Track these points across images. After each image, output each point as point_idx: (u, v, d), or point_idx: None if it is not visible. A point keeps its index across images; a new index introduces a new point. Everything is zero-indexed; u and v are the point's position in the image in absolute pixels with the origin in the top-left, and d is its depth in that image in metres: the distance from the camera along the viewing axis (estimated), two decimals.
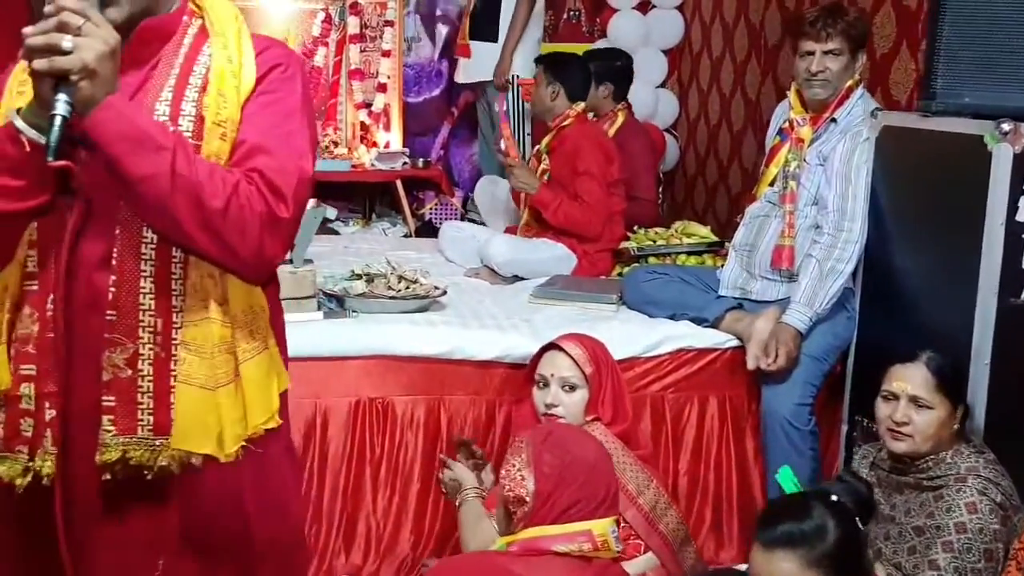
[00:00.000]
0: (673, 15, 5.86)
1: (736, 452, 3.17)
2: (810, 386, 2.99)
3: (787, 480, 2.11)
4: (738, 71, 5.21)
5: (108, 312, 1.43)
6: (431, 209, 5.45)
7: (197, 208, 1.38)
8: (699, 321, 3.21)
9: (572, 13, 6.06)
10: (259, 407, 1.53)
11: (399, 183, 5.22)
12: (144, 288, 1.45)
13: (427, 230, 5.31)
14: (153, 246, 1.45)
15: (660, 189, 5.84)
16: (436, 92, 5.73)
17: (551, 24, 5.90)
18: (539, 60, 4.43)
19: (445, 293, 3.25)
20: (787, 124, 3.23)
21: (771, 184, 3.26)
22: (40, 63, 1.30)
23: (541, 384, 2.71)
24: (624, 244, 3.90)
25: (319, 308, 3.06)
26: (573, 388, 2.66)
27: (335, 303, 3.13)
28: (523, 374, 3.01)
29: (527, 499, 2.06)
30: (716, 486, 3.16)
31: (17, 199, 1.40)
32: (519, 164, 3.92)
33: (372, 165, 5.31)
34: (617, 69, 4.75)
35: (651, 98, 5.79)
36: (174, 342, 1.46)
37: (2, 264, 1.47)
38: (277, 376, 1.59)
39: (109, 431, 1.44)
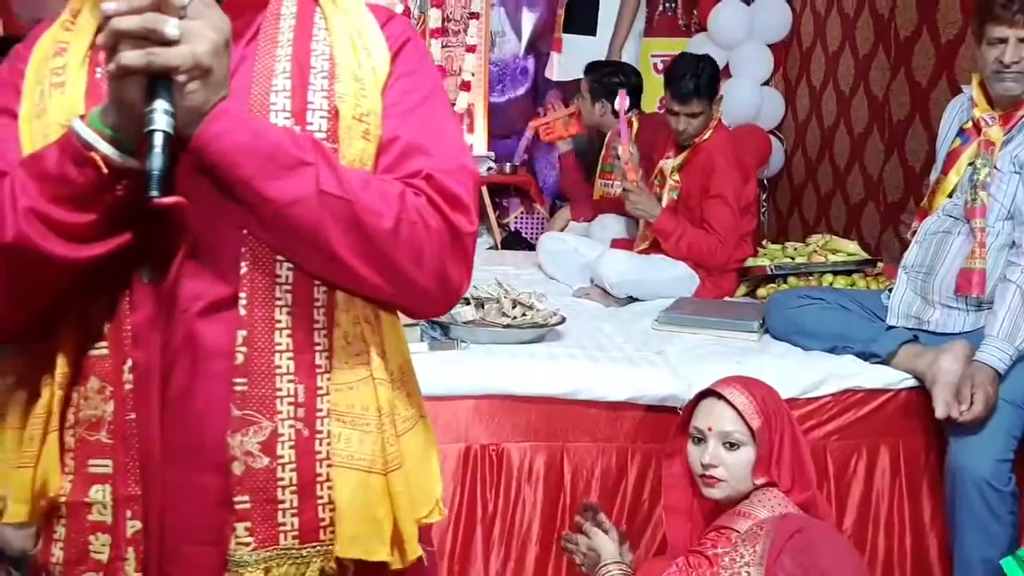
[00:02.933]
0: (780, 6, 5.35)
1: (911, 513, 2.68)
2: (1011, 438, 2.49)
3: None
4: (860, 66, 4.70)
5: (236, 381, 1.05)
6: (516, 218, 5.01)
7: (358, 234, 1.03)
8: (866, 356, 2.72)
9: (668, 5, 5.56)
10: (422, 494, 1.16)
11: (485, 190, 4.78)
12: (280, 345, 1.07)
13: (513, 241, 4.87)
14: (289, 287, 1.07)
15: (764, 197, 5.38)
16: (521, 91, 5.29)
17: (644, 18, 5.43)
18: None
19: (564, 320, 2.80)
20: (969, 124, 2.73)
21: (950, 195, 2.76)
22: (133, 56, 0.92)
23: (697, 438, 2.23)
24: (754, 261, 3.42)
25: (422, 338, 2.62)
26: (736, 446, 2.16)
27: (440, 332, 2.69)
28: (658, 418, 2.56)
29: None
30: (886, 552, 2.67)
31: (83, 240, 1.00)
32: (637, 188, 3.45)
33: None
34: (614, 86, 4.26)
35: (754, 97, 5.29)
36: (319, 415, 1.09)
37: (51, 319, 1.06)
38: (435, 451, 1.22)
39: (246, 544, 1.05)
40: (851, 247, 3.33)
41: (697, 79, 3.47)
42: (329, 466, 1.08)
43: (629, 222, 3.84)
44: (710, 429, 2.18)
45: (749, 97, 5.24)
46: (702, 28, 5.43)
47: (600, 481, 2.59)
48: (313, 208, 1.00)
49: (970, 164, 2.70)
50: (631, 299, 3.41)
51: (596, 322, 3.08)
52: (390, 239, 1.03)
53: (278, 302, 1.06)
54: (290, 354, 1.07)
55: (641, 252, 3.54)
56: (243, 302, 1.05)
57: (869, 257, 3.33)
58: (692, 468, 2.23)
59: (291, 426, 1.07)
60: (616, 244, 3.73)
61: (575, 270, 3.66)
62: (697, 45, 5.02)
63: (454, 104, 5.01)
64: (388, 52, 1.14)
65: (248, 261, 1.05)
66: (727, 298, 3.50)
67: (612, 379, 2.59)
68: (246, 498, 1.05)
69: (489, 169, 4.91)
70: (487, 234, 4.79)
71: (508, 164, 5.02)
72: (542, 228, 4.99)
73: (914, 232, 2.83)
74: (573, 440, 2.58)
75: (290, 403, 1.07)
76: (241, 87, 1.07)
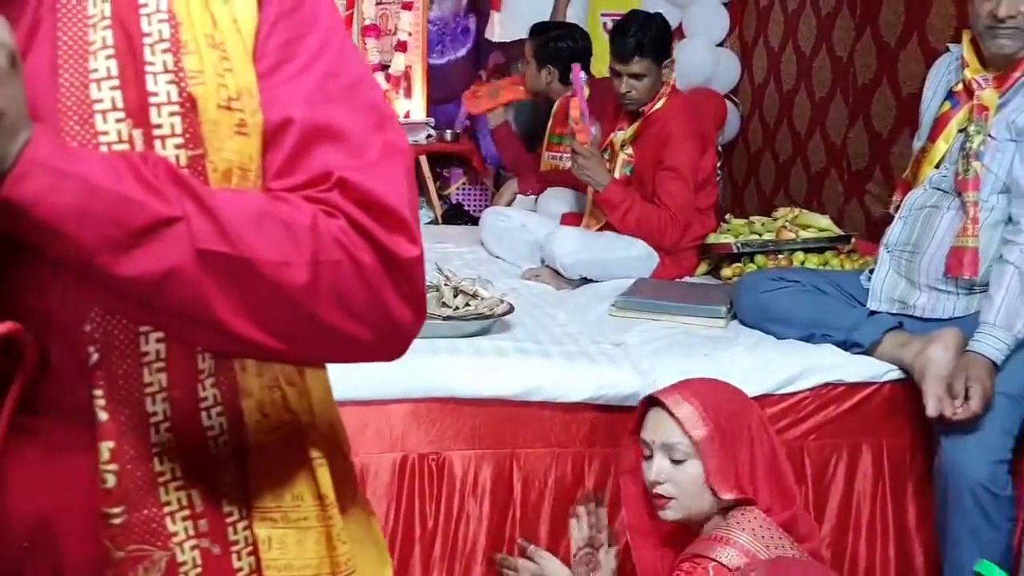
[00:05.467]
0: None
1: (895, 518, 2.43)
2: (1009, 437, 2.24)
3: None
4: (823, 25, 4.43)
5: (109, 512, 0.76)
6: (458, 189, 4.68)
7: (259, 299, 0.72)
8: (847, 345, 2.46)
9: None
10: None
11: (423, 159, 4.43)
12: (158, 444, 0.78)
13: (455, 214, 4.54)
14: (162, 365, 0.78)
15: (719, 165, 5.11)
16: (462, 52, 4.92)
17: None
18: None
19: (512, 309, 2.49)
20: (960, 86, 2.46)
21: (937, 166, 2.49)
22: None
23: (645, 455, 1.94)
24: (717, 237, 3.14)
25: None
26: (681, 461, 1.88)
27: None
28: (618, 419, 2.27)
29: None
30: (868, 561, 2.42)
31: None
32: (589, 151, 3.12)
33: None
34: (561, 50, 3.96)
35: (709, 58, 5.01)
36: (231, 520, 0.81)
37: None
38: (379, 545, 0.96)
39: None
40: (823, 222, 3.06)
41: (641, 36, 3.16)
42: None
43: (580, 196, 3.53)
44: (654, 442, 1.90)
45: (703, 59, 4.97)
46: None
47: (554, 491, 2.30)
48: (190, 279, 0.69)
49: (961, 131, 2.43)
50: (584, 280, 3.12)
51: (548, 309, 2.77)
52: (305, 296, 0.72)
53: (148, 389, 0.76)
54: (174, 456, 0.78)
55: (590, 228, 3.23)
56: (100, 403, 0.75)
57: (843, 233, 3.07)
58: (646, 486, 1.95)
59: (194, 547, 0.78)
60: (566, 220, 3.42)
61: (522, 249, 3.35)
62: (649, 2, 4.71)
63: (388, 67, 4.64)
64: None
65: (99, 344, 0.75)
66: (689, 278, 3.22)
67: (567, 377, 2.30)
68: None
69: (428, 137, 4.56)
70: (426, 207, 4.45)
71: (449, 131, 4.68)
72: (486, 200, 4.67)
73: (897, 207, 2.57)
74: (523, 446, 2.29)
75: (185, 517, 0.77)
76: (41, 76, 0.73)
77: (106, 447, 0.75)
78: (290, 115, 0.77)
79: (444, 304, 2.36)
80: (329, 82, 0.79)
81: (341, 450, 0.92)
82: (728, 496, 1.82)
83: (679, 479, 1.85)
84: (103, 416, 0.75)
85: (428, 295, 2.38)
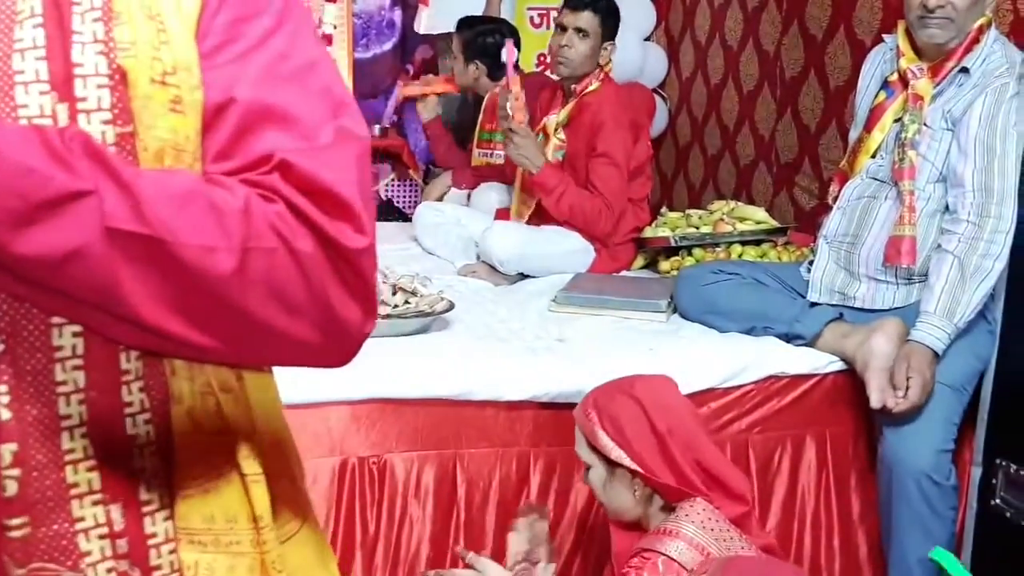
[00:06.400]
0: None
1: (839, 509, 2.43)
2: (951, 426, 2.26)
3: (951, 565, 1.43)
4: (749, 19, 4.45)
5: (9, 524, 0.69)
6: (387, 185, 4.59)
7: (179, 287, 0.65)
8: (789, 338, 2.45)
9: None
10: None
11: None
12: (74, 452, 0.70)
13: (385, 211, 4.46)
14: (79, 361, 0.70)
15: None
16: (388, 46, 4.85)
17: None
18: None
19: (452, 307, 2.42)
20: (895, 76, 2.47)
21: (873, 156, 2.50)
22: None
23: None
24: (654, 230, 3.11)
25: None
26: (589, 467, 1.88)
27: None
28: (563, 416, 2.21)
29: None
30: (813, 552, 2.42)
31: None
32: (524, 131, 3.06)
33: None
34: (490, 45, 3.90)
35: (636, 53, 5.00)
36: (154, 543, 0.73)
37: None
38: (332, 559, 0.88)
39: None
40: (759, 214, 3.06)
41: None
42: None
43: (513, 191, 3.48)
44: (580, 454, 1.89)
45: (631, 53, 4.92)
46: None
47: (499, 491, 2.24)
48: (98, 261, 0.61)
49: (896, 120, 2.44)
50: (521, 276, 3.06)
51: (488, 305, 2.71)
52: (233, 285, 0.65)
53: (62, 388, 0.68)
54: (92, 462, 0.69)
55: (529, 223, 3.18)
56: (3, 400, 0.67)
57: (780, 225, 3.06)
58: None
59: (110, 570, 0.70)
60: (501, 214, 3.37)
61: (457, 244, 3.28)
62: None
63: None
64: None
65: (4, 334, 0.67)
66: (626, 272, 3.19)
67: (510, 375, 2.24)
68: None
69: None
70: None
71: (376, 126, 4.60)
72: (417, 196, 4.59)
73: (835, 197, 2.56)
74: (467, 447, 2.23)
75: (102, 536, 0.70)
76: None
77: (7, 449, 0.68)
78: (233, 95, 0.70)
79: (383, 302, 2.28)
80: (280, 63, 0.72)
81: (288, 471, 0.84)
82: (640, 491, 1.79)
83: (594, 482, 1.86)
84: (6, 415, 0.67)
85: None
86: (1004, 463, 2.31)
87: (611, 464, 1.80)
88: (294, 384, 2.07)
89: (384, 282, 2.31)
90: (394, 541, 2.17)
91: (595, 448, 1.81)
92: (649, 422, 1.76)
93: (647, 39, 5.14)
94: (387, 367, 2.18)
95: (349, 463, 2.15)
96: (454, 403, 2.20)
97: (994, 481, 2.35)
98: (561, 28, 3.18)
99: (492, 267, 3.04)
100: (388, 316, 2.26)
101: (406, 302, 2.29)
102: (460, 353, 2.27)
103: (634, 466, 1.77)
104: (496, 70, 3.78)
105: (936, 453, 2.21)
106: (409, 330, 2.31)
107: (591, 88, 3.16)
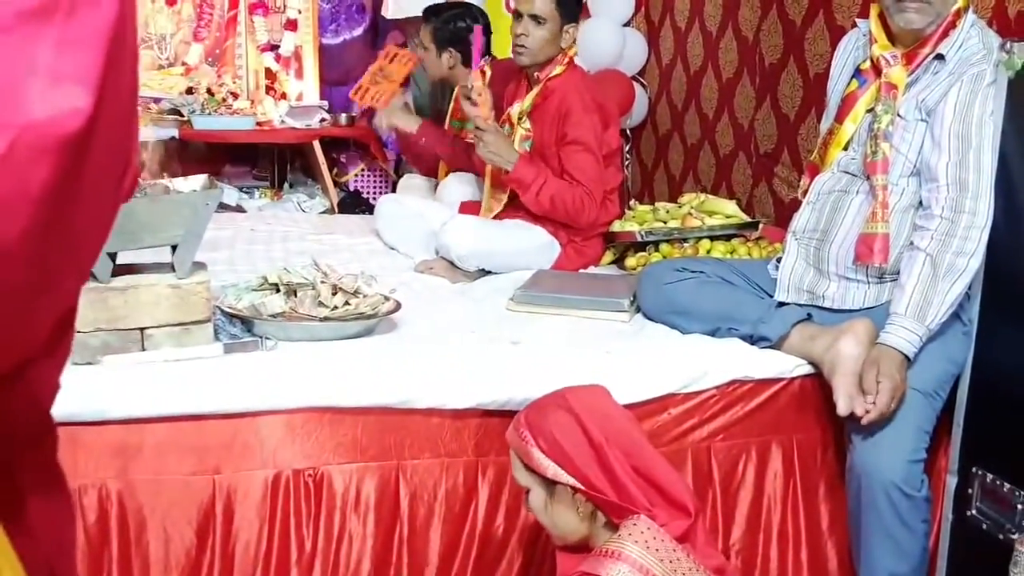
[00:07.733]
0: None
1: (807, 520, 2.31)
2: (923, 434, 2.13)
3: None
4: (728, 4, 4.31)
5: None
6: (356, 176, 4.45)
7: None
8: (754, 340, 2.32)
9: None
10: None
11: (317, 144, 4.20)
12: None
13: (353, 203, 4.32)
14: None
15: (628, 148, 4.98)
16: (358, 32, 4.70)
17: None
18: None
19: (399, 307, 2.29)
20: (867, 64, 2.33)
21: (845, 148, 2.37)
22: None
23: None
24: (621, 225, 2.98)
25: (217, 336, 2.08)
26: (528, 489, 1.77)
27: (240, 328, 2.15)
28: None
29: None
30: (780, 566, 2.30)
31: None
32: (492, 128, 2.92)
33: (282, 122, 4.29)
34: (458, 31, 3.74)
35: (615, 39, 4.86)
36: None
37: None
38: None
39: None
40: (729, 208, 2.93)
41: None
42: None
43: (481, 183, 3.35)
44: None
45: (609, 39, 4.81)
46: None
47: (444, 504, 2.12)
48: None
49: (869, 111, 2.31)
50: (483, 272, 2.93)
51: (441, 305, 2.59)
52: None
53: None
54: None
55: (501, 219, 3.04)
56: None
57: (750, 219, 2.93)
58: None
59: None
60: (465, 208, 3.23)
61: (419, 239, 3.15)
62: None
63: (277, 47, 4.39)
64: None
65: None
66: (593, 268, 3.06)
67: (458, 381, 2.11)
68: None
69: (322, 121, 4.33)
70: (321, 196, 4.23)
71: (345, 115, 4.45)
72: (386, 187, 4.46)
73: (805, 191, 2.43)
74: (410, 457, 2.10)
75: None
76: None
77: None
78: None
79: (321, 304, 2.15)
80: None
81: None
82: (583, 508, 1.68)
83: (533, 504, 1.75)
84: None
85: (303, 295, 2.18)
86: (980, 472, 2.19)
87: (550, 483, 1.68)
88: (223, 393, 1.97)
89: (323, 282, 2.17)
90: (332, 559, 2.05)
91: (532, 469, 1.69)
92: (585, 433, 1.65)
93: (626, 25, 5.00)
94: (325, 373, 2.05)
95: (283, 476, 2.03)
96: (396, 411, 2.08)
97: (970, 491, 2.23)
98: (517, 15, 3.04)
99: (450, 263, 2.91)
100: (327, 319, 2.14)
101: (346, 303, 2.16)
102: (404, 358, 2.14)
103: (573, 481, 1.66)
104: (471, 56, 3.64)
105: (907, 463, 2.09)
106: (351, 333, 2.19)
107: (554, 73, 3.02)
